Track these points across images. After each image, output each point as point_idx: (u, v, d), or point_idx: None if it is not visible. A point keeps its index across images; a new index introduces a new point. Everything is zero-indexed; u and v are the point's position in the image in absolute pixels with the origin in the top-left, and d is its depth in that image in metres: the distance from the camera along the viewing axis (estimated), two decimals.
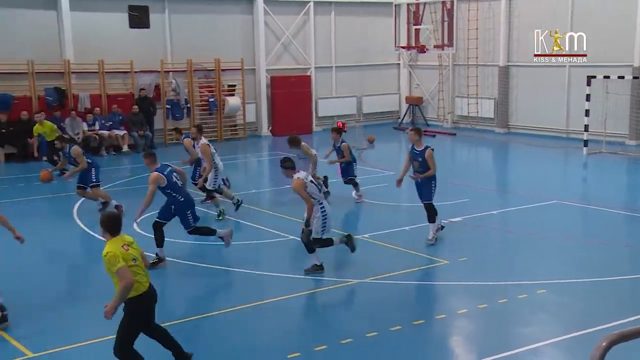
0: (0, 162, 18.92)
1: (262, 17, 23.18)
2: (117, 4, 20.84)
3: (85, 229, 11.97)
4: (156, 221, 9.80)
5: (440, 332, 7.84)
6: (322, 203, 9.24)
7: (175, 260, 10.04)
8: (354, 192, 13.58)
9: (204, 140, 12.51)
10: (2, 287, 7.95)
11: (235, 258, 10.24)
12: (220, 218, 12.27)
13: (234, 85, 22.80)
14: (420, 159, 10.48)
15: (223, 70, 22.38)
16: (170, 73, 21.84)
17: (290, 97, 23.77)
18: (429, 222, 10.61)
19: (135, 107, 20.54)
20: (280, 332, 7.80)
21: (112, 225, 6.06)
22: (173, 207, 9.66)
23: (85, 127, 19.63)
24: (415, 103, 26.23)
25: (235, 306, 8.39)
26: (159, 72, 21.35)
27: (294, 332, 7.81)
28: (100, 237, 5.88)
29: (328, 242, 9.38)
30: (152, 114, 21.12)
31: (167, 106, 21.62)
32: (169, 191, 9.58)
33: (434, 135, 23.37)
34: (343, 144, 13.50)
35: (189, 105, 21.93)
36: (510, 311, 8.24)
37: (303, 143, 13.17)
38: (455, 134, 23.58)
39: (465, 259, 10.09)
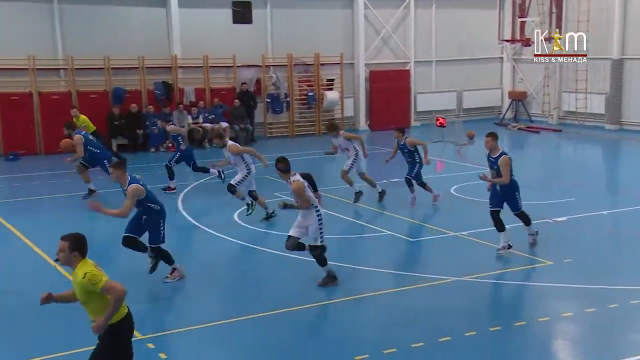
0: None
1: (362, 11, 23.16)
2: (222, 0, 21.46)
3: (190, 219, 12.42)
4: (128, 237, 8.82)
5: (543, 335, 7.50)
6: (317, 207, 8.70)
7: (272, 251, 10.19)
8: (429, 191, 12.92)
9: (230, 142, 12.13)
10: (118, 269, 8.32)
11: (334, 251, 10.23)
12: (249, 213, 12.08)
13: (333, 80, 22.94)
14: (496, 167, 9.76)
15: (322, 64, 22.55)
16: (271, 67, 22.28)
17: (389, 91, 23.60)
18: (525, 226, 10.10)
19: (237, 100, 21.09)
20: (377, 327, 7.75)
21: (83, 245, 5.34)
22: (145, 217, 8.73)
23: (190, 119, 20.38)
24: (518, 98, 25.35)
25: (333, 299, 8.43)
26: (260, 66, 21.82)
27: (390, 327, 7.72)
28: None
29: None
30: (253, 107, 21.62)
31: (268, 100, 22.08)
32: (149, 203, 8.64)
33: (538, 132, 22.50)
34: (407, 139, 12.79)
35: (288, 99, 22.28)
36: (622, 317, 7.78)
37: (342, 131, 12.93)
38: (561, 131, 22.58)
39: (570, 260, 9.63)
